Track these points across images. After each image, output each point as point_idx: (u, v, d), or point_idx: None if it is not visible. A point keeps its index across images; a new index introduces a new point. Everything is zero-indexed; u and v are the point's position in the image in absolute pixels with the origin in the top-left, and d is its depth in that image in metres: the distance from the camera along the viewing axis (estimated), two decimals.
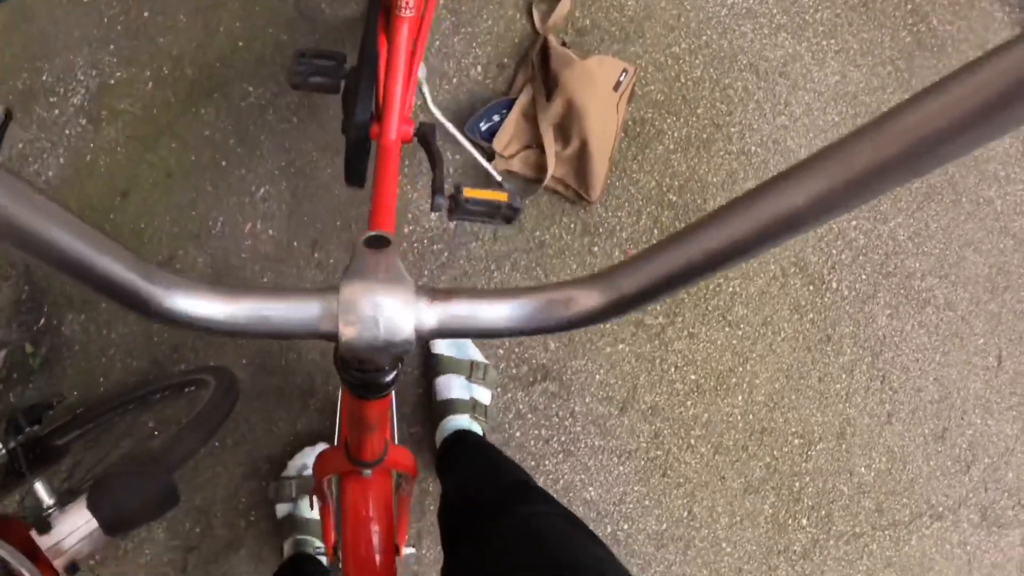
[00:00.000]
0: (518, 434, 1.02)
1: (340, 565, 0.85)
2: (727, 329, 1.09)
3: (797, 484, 1.12)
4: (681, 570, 1.06)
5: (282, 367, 0.98)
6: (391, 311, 0.24)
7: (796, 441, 1.12)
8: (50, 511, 0.52)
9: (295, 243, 1.01)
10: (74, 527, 0.47)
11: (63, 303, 0.97)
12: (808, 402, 1.13)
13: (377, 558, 0.42)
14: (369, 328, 0.24)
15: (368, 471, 0.43)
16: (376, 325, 0.24)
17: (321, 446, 0.95)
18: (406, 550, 0.68)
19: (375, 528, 0.43)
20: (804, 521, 1.12)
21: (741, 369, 1.10)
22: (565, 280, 0.25)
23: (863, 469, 1.16)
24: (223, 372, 0.75)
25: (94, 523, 0.47)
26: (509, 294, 0.25)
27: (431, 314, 0.25)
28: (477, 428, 0.92)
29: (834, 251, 1.15)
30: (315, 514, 0.88)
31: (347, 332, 0.24)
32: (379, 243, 0.26)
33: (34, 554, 0.45)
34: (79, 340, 0.96)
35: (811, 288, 1.14)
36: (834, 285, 1.15)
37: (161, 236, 1.00)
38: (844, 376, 1.15)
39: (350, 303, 0.24)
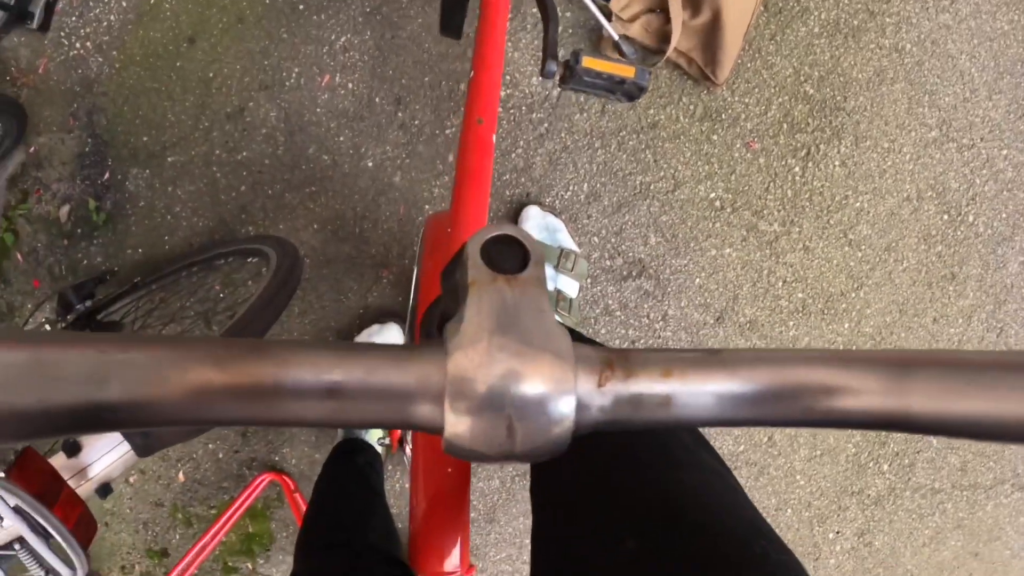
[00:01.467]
0: (603, 331, 0.94)
1: (405, 459, 0.81)
2: (846, 248, 0.98)
3: None
4: (750, 495, 1.00)
5: (356, 235, 0.91)
6: (536, 397, 0.14)
7: None
8: None
9: (377, 99, 0.91)
10: (104, 450, 0.45)
11: (127, 157, 0.91)
12: (917, 342, 1.02)
13: (449, 468, 0.38)
14: (496, 428, 0.14)
15: None
16: (507, 425, 0.14)
17: (391, 326, 0.89)
18: None
19: None
20: (885, 467, 1.05)
21: (854, 295, 0.99)
22: (822, 349, 0.15)
23: None
24: (286, 249, 0.66)
25: (125, 445, 0.45)
26: (729, 363, 0.15)
27: (600, 401, 0.15)
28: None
29: (978, 180, 1.01)
30: None
31: (457, 428, 0.14)
32: (511, 256, 0.16)
33: (57, 487, 0.41)
34: (144, 196, 0.91)
35: (945, 218, 1.00)
36: (970, 219, 1.01)
37: (231, 85, 0.91)
38: (961, 321, 1.03)
39: (463, 382, 0.14)
